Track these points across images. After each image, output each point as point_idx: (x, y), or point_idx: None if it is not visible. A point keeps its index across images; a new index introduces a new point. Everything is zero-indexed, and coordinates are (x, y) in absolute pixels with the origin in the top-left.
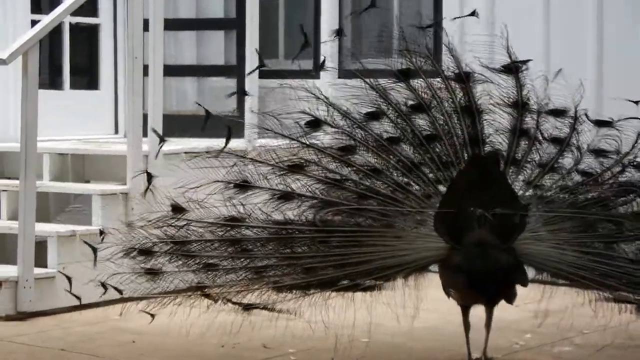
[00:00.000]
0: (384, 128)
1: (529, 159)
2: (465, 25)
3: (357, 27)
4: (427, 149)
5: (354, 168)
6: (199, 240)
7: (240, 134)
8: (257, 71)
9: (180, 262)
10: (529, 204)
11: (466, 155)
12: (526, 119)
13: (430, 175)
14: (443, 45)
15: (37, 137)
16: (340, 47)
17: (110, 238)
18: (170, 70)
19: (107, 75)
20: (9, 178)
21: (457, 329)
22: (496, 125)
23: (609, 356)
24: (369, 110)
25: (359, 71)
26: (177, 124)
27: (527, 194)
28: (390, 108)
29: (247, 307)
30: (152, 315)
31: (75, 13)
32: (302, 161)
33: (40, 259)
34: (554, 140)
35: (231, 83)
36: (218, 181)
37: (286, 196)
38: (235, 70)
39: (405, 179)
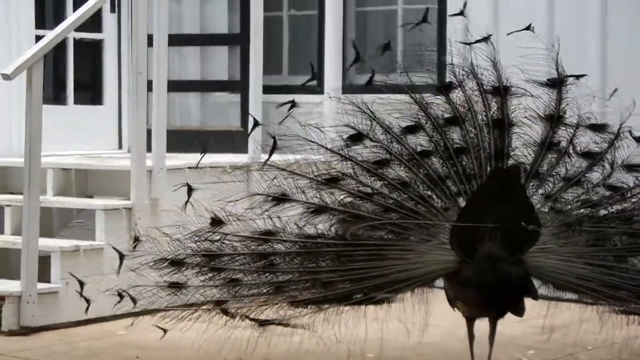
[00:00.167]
0: (419, 141)
1: (553, 173)
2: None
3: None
4: (455, 162)
5: (385, 182)
6: (230, 254)
7: (244, 149)
8: (262, 86)
9: (206, 277)
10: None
11: (489, 168)
12: (558, 132)
13: (453, 188)
14: (488, 59)
15: (41, 152)
16: (344, 61)
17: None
18: (174, 86)
19: (111, 91)
20: (13, 193)
21: (460, 344)
22: (525, 138)
23: None
24: (408, 124)
25: (406, 86)
26: (180, 139)
27: (545, 208)
28: (429, 122)
29: (263, 323)
30: (165, 330)
31: (79, 29)
32: (340, 174)
33: (44, 274)
34: (586, 155)
35: (235, 98)
36: (258, 194)
37: (319, 210)
38: (239, 85)
39: (429, 192)
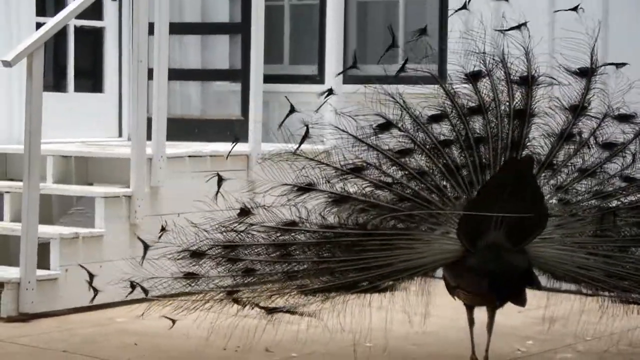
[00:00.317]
0: (441, 131)
1: (569, 164)
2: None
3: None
4: (473, 152)
5: (406, 171)
6: (251, 245)
7: (244, 138)
8: (262, 76)
9: (224, 267)
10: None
11: (503, 158)
12: (579, 123)
13: (467, 178)
14: (522, 48)
15: (41, 140)
16: (346, 52)
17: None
18: (175, 74)
19: (112, 79)
20: (13, 180)
21: (458, 334)
22: (545, 129)
23: None
24: (434, 113)
25: (432, 75)
26: (181, 128)
27: (554, 199)
28: (454, 110)
29: (272, 311)
30: (173, 321)
31: (80, 16)
32: (364, 164)
33: (43, 261)
34: (607, 146)
35: (236, 87)
36: (286, 184)
37: (341, 200)
38: (240, 74)
39: (444, 182)
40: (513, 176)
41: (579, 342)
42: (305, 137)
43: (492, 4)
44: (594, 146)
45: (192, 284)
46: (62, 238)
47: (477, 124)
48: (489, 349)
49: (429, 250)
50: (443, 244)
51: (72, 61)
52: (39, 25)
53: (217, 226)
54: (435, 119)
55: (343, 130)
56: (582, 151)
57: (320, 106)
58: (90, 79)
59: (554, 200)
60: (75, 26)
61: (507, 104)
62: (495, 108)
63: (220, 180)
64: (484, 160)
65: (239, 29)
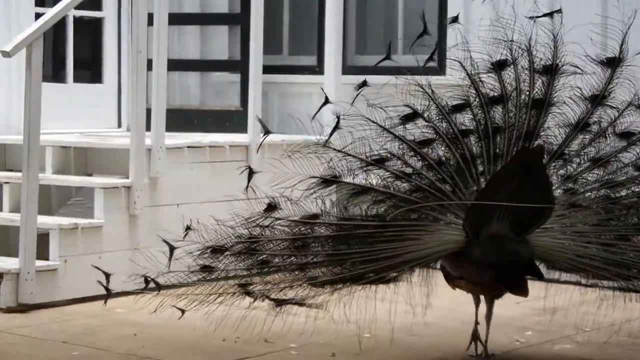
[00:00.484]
0: (462, 120)
1: (581, 153)
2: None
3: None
4: (489, 142)
5: (426, 162)
6: (272, 239)
7: (244, 128)
8: (262, 66)
9: (244, 262)
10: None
11: (515, 149)
12: (596, 113)
13: (480, 168)
14: (552, 35)
15: (40, 130)
16: (345, 42)
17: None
18: (174, 65)
19: (111, 69)
20: (12, 170)
21: (456, 325)
22: (561, 118)
23: (610, 354)
24: (457, 102)
25: (460, 63)
26: (180, 119)
27: (561, 189)
28: (477, 100)
29: (280, 303)
30: (183, 311)
31: (79, 6)
32: (388, 155)
33: (42, 252)
34: (624, 135)
35: (235, 78)
36: (314, 177)
37: (362, 191)
38: (239, 65)
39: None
40: (522, 166)
41: (578, 333)
42: (336, 128)
43: None
44: (610, 135)
45: (207, 278)
46: (61, 229)
47: (497, 113)
48: (488, 340)
49: (432, 241)
50: (446, 234)
51: (72, 52)
52: (38, 16)
53: (242, 222)
54: (458, 108)
55: (373, 122)
56: (598, 140)
57: (355, 97)
58: (90, 69)
59: (560, 191)
60: (74, 17)
61: (527, 93)
62: (516, 97)
63: (251, 173)
64: (498, 150)
65: (238, 19)
